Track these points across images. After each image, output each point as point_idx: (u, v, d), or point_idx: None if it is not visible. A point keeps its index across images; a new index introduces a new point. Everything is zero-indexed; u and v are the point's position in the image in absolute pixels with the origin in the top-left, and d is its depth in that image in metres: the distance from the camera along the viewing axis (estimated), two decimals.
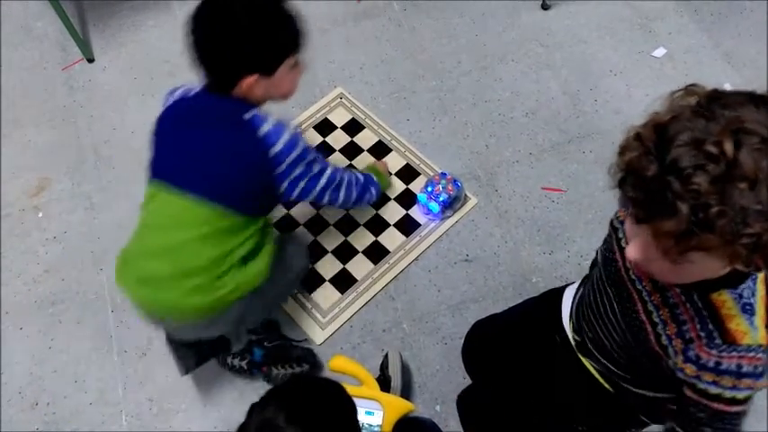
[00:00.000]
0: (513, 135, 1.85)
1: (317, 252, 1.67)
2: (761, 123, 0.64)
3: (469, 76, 1.94)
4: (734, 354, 0.79)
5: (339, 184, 1.35)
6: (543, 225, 1.71)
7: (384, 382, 1.41)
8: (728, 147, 0.63)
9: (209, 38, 1.20)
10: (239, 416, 1.49)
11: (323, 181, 1.29)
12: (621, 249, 0.93)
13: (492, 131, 1.86)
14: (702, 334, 0.81)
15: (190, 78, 1.96)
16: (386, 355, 1.47)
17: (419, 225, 1.70)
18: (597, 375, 1.09)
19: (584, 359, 1.11)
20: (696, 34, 2.02)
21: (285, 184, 1.22)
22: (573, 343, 1.13)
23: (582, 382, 1.10)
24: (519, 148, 1.83)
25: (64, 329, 1.59)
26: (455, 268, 1.65)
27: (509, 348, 1.27)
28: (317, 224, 1.70)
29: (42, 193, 1.78)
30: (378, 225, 1.70)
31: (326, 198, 1.33)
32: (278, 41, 1.19)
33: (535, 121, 1.87)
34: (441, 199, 1.66)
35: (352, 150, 1.82)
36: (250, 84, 1.18)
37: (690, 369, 0.82)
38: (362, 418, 1.20)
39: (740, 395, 0.80)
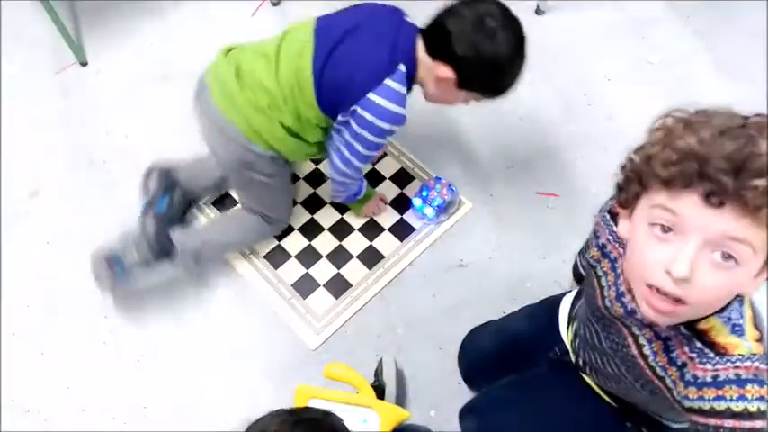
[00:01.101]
0: (508, 140, 1.85)
1: (312, 256, 1.66)
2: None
3: None
4: (728, 364, 0.75)
5: (344, 173, 1.47)
6: (537, 230, 1.71)
7: (379, 388, 1.41)
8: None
9: (474, 25, 1.23)
10: (233, 423, 1.48)
11: (344, 151, 1.40)
12: (601, 288, 0.92)
13: (486, 136, 1.86)
14: (693, 354, 0.79)
15: (183, 83, 1.96)
16: (380, 361, 1.47)
17: (414, 230, 1.70)
18: (599, 391, 1.08)
19: (585, 376, 1.10)
20: (689, 40, 2.03)
21: (339, 117, 1.35)
22: (573, 359, 1.12)
23: (583, 397, 1.09)
24: (513, 152, 1.83)
25: (57, 335, 1.57)
26: (450, 273, 1.64)
27: (508, 359, 1.26)
28: (311, 229, 1.70)
29: (36, 197, 1.77)
30: (372, 230, 1.70)
31: (334, 156, 1.45)
32: (498, 81, 1.31)
33: (529, 125, 1.88)
34: (435, 204, 1.66)
35: None
36: (439, 71, 1.27)
37: (692, 391, 0.79)
38: (358, 426, 1.19)
39: (752, 407, 0.73)
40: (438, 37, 1.27)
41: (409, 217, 1.72)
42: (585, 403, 1.09)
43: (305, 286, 1.62)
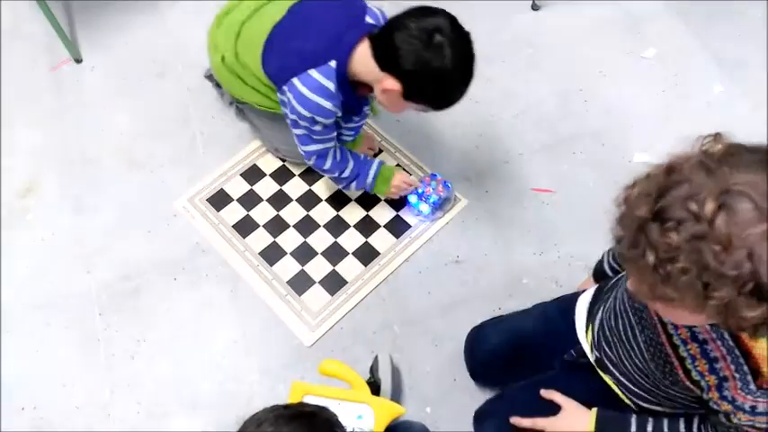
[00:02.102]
0: (503, 136, 1.85)
1: (307, 253, 1.66)
2: (759, 190, 0.63)
3: None
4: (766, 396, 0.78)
5: (305, 154, 1.53)
6: (533, 226, 1.71)
7: (374, 385, 1.41)
8: (709, 207, 0.63)
9: (422, 40, 1.23)
10: (228, 420, 1.49)
11: (296, 133, 1.49)
12: None
13: (482, 132, 1.85)
14: (737, 375, 0.80)
15: (179, 80, 1.95)
16: (376, 358, 1.47)
17: (409, 226, 1.70)
18: (618, 391, 1.07)
19: (605, 377, 1.09)
20: (685, 35, 2.03)
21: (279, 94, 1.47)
22: (592, 358, 1.11)
23: (604, 398, 1.08)
24: (509, 148, 1.83)
25: (51, 333, 1.57)
26: (445, 270, 1.64)
27: (519, 358, 1.25)
28: (306, 225, 1.70)
29: (30, 194, 1.76)
30: (368, 226, 1.70)
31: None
32: (444, 96, 1.32)
33: (525, 121, 1.87)
34: (431, 200, 1.65)
35: None
36: (386, 83, 1.28)
37: (725, 407, 0.82)
38: (353, 422, 1.19)
39: None
40: (385, 50, 1.28)
41: (405, 214, 1.71)
42: (606, 404, 1.07)
43: (300, 283, 1.62)
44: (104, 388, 1.50)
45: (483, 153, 1.82)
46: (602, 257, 1.22)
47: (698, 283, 0.64)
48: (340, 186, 1.67)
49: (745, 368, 0.79)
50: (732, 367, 0.80)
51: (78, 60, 1.98)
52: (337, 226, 1.70)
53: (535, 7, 2.08)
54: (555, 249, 1.67)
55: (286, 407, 0.88)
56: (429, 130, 1.85)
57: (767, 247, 0.61)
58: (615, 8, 2.08)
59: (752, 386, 0.79)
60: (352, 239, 1.68)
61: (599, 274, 1.24)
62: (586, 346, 1.13)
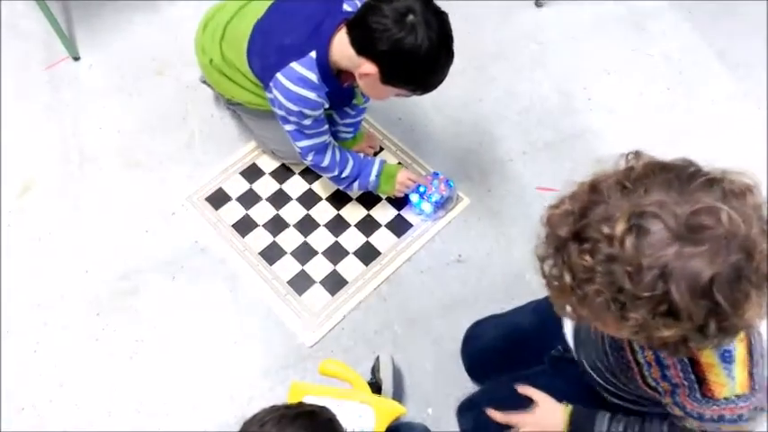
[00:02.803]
0: (507, 134, 1.83)
1: (307, 253, 1.64)
2: (671, 211, 0.63)
3: (463, 75, 1.92)
4: (714, 407, 0.81)
5: (300, 152, 1.52)
6: (536, 225, 1.68)
7: (375, 385, 1.39)
8: (619, 229, 0.63)
9: (395, 21, 1.23)
10: (228, 420, 1.47)
11: (288, 129, 1.48)
12: None
13: (485, 130, 1.84)
14: (686, 383, 0.82)
15: (177, 79, 1.94)
16: (377, 358, 1.45)
17: (411, 226, 1.68)
18: (601, 390, 1.07)
19: (586, 374, 1.09)
20: (690, 34, 2.01)
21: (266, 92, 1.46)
22: (575, 356, 1.11)
23: (584, 396, 1.08)
24: (512, 147, 1.81)
25: (49, 332, 1.55)
26: (447, 269, 1.63)
27: (512, 354, 1.26)
28: (307, 224, 1.68)
29: (27, 193, 1.75)
30: (369, 226, 1.68)
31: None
32: (421, 76, 1.31)
33: (528, 119, 1.86)
34: (433, 199, 1.64)
35: None
36: (363, 67, 1.29)
37: (677, 412, 0.85)
38: (354, 422, 1.18)
39: (725, 427, 0.83)
40: (360, 33, 1.28)
41: (406, 213, 1.70)
42: (586, 399, 1.07)
43: (301, 283, 1.60)
44: (103, 388, 1.49)
45: (486, 151, 1.81)
46: None
47: (612, 304, 0.65)
48: (341, 187, 1.65)
49: (692, 376, 0.81)
50: (681, 375, 0.82)
51: (76, 58, 1.96)
52: (338, 225, 1.68)
53: (539, 5, 2.06)
54: None
55: (288, 407, 0.88)
56: (431, 129, 1.84)
57: (679, 267, 0.62)
58: (619, 6, 2.07)
59: (698, 394, 0.81)
60: (352, 239, 1.66)
61: None
62: (571, 342, 1.13)
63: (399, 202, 1.71)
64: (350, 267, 1.62)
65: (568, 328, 1.14)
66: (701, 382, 0.80)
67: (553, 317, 1.18)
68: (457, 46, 1.96)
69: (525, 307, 1.31)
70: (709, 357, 0.79)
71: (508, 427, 1.12)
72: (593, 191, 0.69)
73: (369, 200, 1.71)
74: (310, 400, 1.18)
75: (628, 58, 1.97)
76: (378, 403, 1.22)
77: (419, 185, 1.66)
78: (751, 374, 0.79)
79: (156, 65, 1.95)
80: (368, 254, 1.64)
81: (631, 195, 0.66)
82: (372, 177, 1.59)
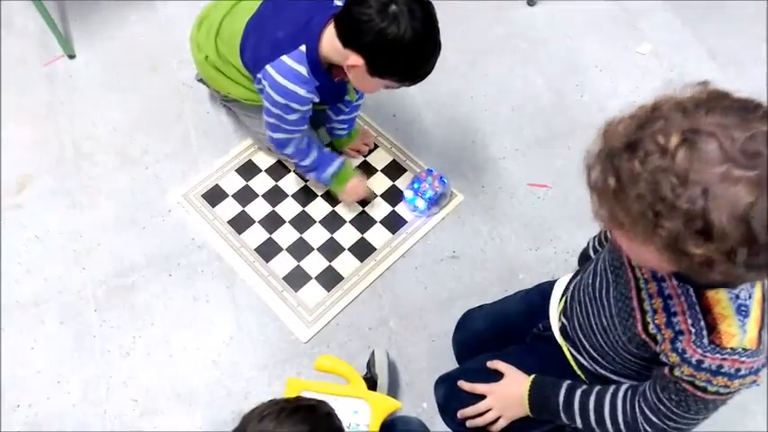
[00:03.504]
0: (499, 131, 1.85)
1: (303, 249, 1.65)
2: (728, 134, 0.64)
3: (455, 72, 1.94)
4: (717, 355, 0.80)
5: (271, 139, 1.55)
6: (529, 221, 1.71)
7: (371, 381, 1.41)
8: (673, 141, 0.65)
9: (378, 11, 1.23)
10: (225, 416, 1.49)
11: (265, 119, 1.50)
12: None
13: (478, 127, 1.85)
14: (693, 329, 0.83)
15: (173, 76, 1.94)
16: (372, 353, 1.47)
17: (405, 222, 1.69)
18: (573, 363, 1.11)
19: (564, 344, 1.12)
20: (681, 30, 2.03)
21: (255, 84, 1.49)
22: (557, 326, 1.14)
23: (554, 364, 1.12)
24: (505, 144, 1.83)
25: (46, 330, 1.56)
26: (442, 265, 1.64)
27: (499, 339, 1.28)
28: (302, 221, 1.69)
29: (24, 191, 1.75)
30: (364, 222, 1.69)
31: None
32: (408, 67, 1.31)
33: (521, 116, 1.87)
34: (427, 196, 1.65)
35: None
36: (350, 59, 1.29)
37: (673, 358, 0.85)
38: (349, 417, 1.19)
39: (711, 387, 0.83)
40: (345, 25, 1.29)
41: (401, 209, 1.71)
42: (554, 371, 1.10)
43: (296, 279, 1.61)
44: (100, 385, 1.50)
45: (479, 148, 1.82)
46: (588, 243, 1.24)
47: (650, 211, 0.66)
48: (296, 168, 1.69)
49: (702, 323, 0.82)
50: (690, 321, 0.83)
51: (72, 56, 1.96)
52: (333, 222, 1.69)
53: (531, 3, 2.08)
54: (551, 245, 1.67)
55: (287, 400, 0.89)
56: (425, 126, 1.85)
57: (724, 186, 0.62)
58: (611, 3, 2.08)
59: (705, 340, 0.81)
60: (347, 235, 1.67)
61: (583, 258, 1.27)
62: (554, 317, 1.16)
63: (394, 199, 1.72)
64: (345, 263, 1.64)
65: (556, 303, 1.17)
66: (712, 329, 0.81)
67: (540, 300, 1.22)
68: (450, 43, 1.98)
69: (515, 295, 1.34)
70: (725, 309, 0.80)
71: (479, 397, 1.14)
72: (654, 110, 0.70)
73: None
74: (307, 395, 1.19)
75: (619, 55, 1.98)
76: (373, 398, 1.23)
77: (414, 181, 1.67)
78: (759, 334, 0.81)
79: (152, 63, 1.95)
80: (363, 250, 1.65)
81: (691, 115, 0.66)
82: (327, 175, 1.62)
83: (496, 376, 1.15)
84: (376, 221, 1.70)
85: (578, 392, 1.03)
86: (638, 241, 0.72)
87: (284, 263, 1.64)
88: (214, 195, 1.73)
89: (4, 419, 1.46)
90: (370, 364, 1.45)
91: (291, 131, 1.50)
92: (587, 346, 1.07)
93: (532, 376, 1.09)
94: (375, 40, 1.25)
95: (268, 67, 1.38)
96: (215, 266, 1.64)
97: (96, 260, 1.65)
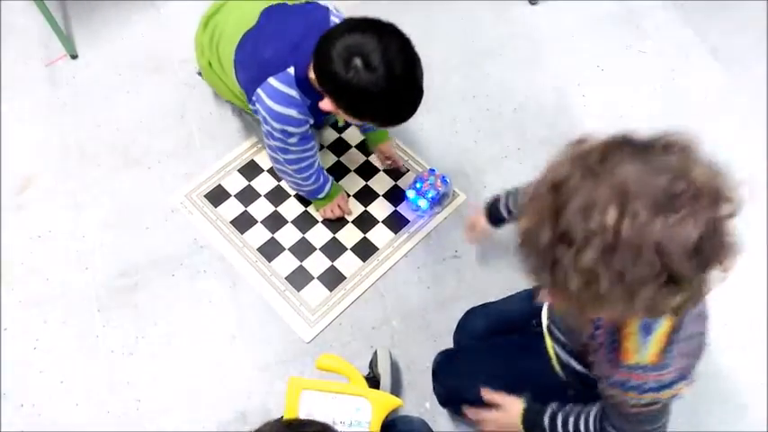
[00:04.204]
0: (502, 130, 1.85)
1: (306, 249, 1.66)
2: (648, 185, 0.64)
3: (458, 72, 1.94)
4: (622, 371, 0.85)
5: (276, 159, 1.53)
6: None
7: (373, 380, 1.41)
8: (611, 217, 0.63)
9: (339, 57, 1.20)
10: (228, 416, 1.49)
11: (267, 142, 1.49)
12: None
13: (480, 127, 1.85)
14: (606, 344, 0.87)
15: (175, 76, 1.95)
16: (375, 353, 1.47)
17: (408, 222, 1.69)
18: (555, 360, 1.14)
19: (549, 340, 1.15)
20: (683, 29, 2.03)
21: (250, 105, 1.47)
22: (545, 323, 1.17)
23: (536, 357, 1.16)
24: (507, 143, 1.82)
25: (49, 330, 1.57)
26: (444, 265, 1.64)
27: (497, 334, 1.31)
28: (305, 221, 1.69)
29: (26, 191, 1.75)
30: (366, 222, 1.69)
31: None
32: (383, 114, 1.29)
33: (523, 116, 1.87)
34: (429, 195, 1.65)
35: (340, 147, 1.81)
36: (325, 104, 1.29)
37: (596, 370, 0.91)
38: (351, 415, 1.19)
39: (630, 401, 0.86)
40: (315, 67, 1.27)
41: (403, 209, 1.71)
42: (536, 363, 1.14)
43: (299, 279, 1.62)
44: (103, 385, 1.50)
45: (481, 148, 1.82)
46: (499, 197, 1.25)
47: (622, 292, 0.67)
48: (289, 185, 1.68)
49: (613, 338, 0.86)
50: (606, 336, 0.87)
51: (74, 56, 1.97)
52: (335, 221, 1.69)
53: (533, 2, 2.08)
54: None
55: (289, 424, 0.86)
56: (427, 126, 1.85)
57: (669, 236, 0.64)
58: (613, 3, 2.08)
59: (612, 355, 0.86)
60: (350, 235, 1.68)
61: (493, 213, 1.30)
62: (544, 314, 1.18)
63: (396, 199, 1.72)
64: (348, 263, 1.64)
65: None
66: (618, 346, 0.85)
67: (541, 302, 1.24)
68: (452, 43, 1.99)
69: (517, 295, 1.35)
70: (631, 327, 0.84)
71: (473, 376, 1.21)
72: (557, 188, 0.69)
73: (366, 196, 1.73)
74: (308, 394, 1.20)
75: (622, 54, 1.98)
76: (374, 396, 1.24)
77: (416, 181, 1.67)
78: (664, 350, 0.83)
79: (154, 63, 1.95)
80: (365, 250, 1.65)
81: (599, 179, 0.66)
82: (319, 195, 1.63)
83: (486, 353, 1.22)
84: (378, 221, 1.70)
85: (560, 417, 1.04)
86: (617, 314, 0.74)
87: (287, 263, 1.64)
88: (217, 195, 1.73)
89: (7, 419, 1.46)
90: (373, 364, 1.45)
91: (300, 152, 1.48)
92: (566, 342, 1.10)
93: (524, 405, 1.10)
94: (341, 91, 1.23)
95: (259, 91, 1.36)
96: (217, 266, 1.64)
97: (99, 260, 1.65)
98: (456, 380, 1.29)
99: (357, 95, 1.23)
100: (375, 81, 1.19)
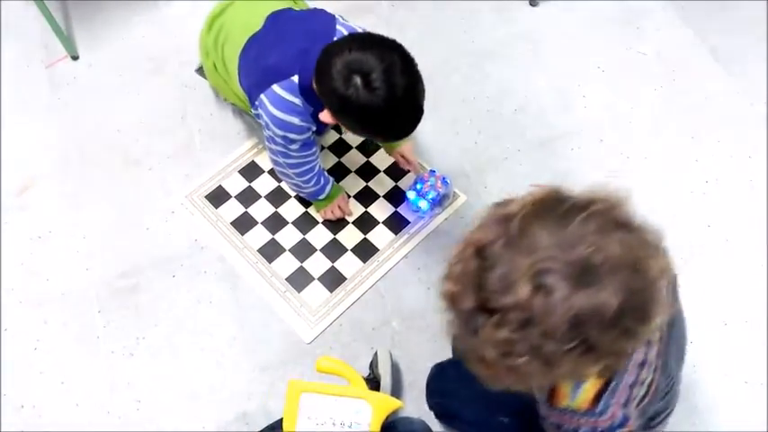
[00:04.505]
0: (502, 132, 1.85)
1: (306, 250, 1.66)
2: (562, 260, 0.64)
3: (458, 73, 1.94)
4: (555, 413, 0.84)
5: (276, 162, 1.52)
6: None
7: (374, 381, 1.41)
8: (523, 293, 0.63)
9: (339, 74, 1.20)
10: (228, 417, 1.49)
11: (269, 146, 1.48)
12: None
13: (481, 128, 1.85)
14: (543, 390, 0.87)
15: (176, 77, 1.95)
16: (375, 354, 1.47)
17: (408, 223, 1.69)
18: None
19: None
20: (683, 30, 2.03)
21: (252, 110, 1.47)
22: None
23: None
24: (507, 144, 1.83)
25: (49, 330, 1.57)
26: (444, 266, 1.64)
27: None
28: (305, 222, 1.70)
29: (27, 192, 1.76)
30: (366, 223, 1.70)
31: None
32: (385, 129, 1.31)
33: (523, 117, 1.87)
34: (430, 197, 1.65)
35: (341, 148, 1.81)
36: (324, 115, 1.29)
37: (539, 408, 0.91)
38: (351, 417, 1.19)
39: None
40: (316, 80, 1.27)
41: (403, 210, 1.71)
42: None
43: (299, 280, 1.62)
44: (104, 385, 1.50)
45: (481, 149, 1.82)
46: None
47: (539, 363, 0.66)
48: (290, 187, 1.68)
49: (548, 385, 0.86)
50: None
51: (75, 57, 1.97)
52: (336, 222, 1.69)
53: (533, 3, 2.08)
54: None
55: None
56: (427, 127, 1.85)
57: (586, 310, 0.63)
58: (613, 3, 2.08)
59: (544, 396, 0.85)
60: (350, 236, 1.68)
61: None
62: None
63: (396, 200, 1.72)
64: (348, 264, 1.64)
65: None
66: (553, 388, 0.84)
67: None
68: (452, 44, 1.99)
69: None
70: (561, 386, 0.84)
71: (461, 380, 1.16)
72: (479, 255, 0.69)
73: (366, 197, 1.73)
74: (308, 397, 1.19)
75: (622, 55, 1.98)
76: (374, 398, 1.23)
77: (416, 182, 1.67)
78: (598, 396, 0.81)
79: (155, 64, 1.95)
80: (366, 251, 1.66)
81: (519, 250, 0.66)
82: (319, 196, 1.63)
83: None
84: (379, 222, 1.70)
85: None
86: (537, 382, 0.75)
87: (287, 264, 1.64)
88: (217, 196, 1.73)
89: (7, 420, 1.46)
90: (374, 365, 1.45)
91: (301, 157, 1.48)
92: None
93: None
94: (340, 106, 1.24)
95: (262, 96, 1.36)
96: (218, 267, 1.64)
97: (100, 261, 1.65)
98: (443, 397, 1.29)
99: (355, 112, 1.23)
100: (374, 100, 1.20)
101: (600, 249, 0.65)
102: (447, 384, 1.27)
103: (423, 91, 1.27)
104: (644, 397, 0.85)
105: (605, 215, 0.68)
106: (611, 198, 0.70)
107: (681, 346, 0.97)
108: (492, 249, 0.68)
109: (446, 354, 1.47)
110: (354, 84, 1.19)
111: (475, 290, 0.68)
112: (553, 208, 0.69)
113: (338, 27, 1.40)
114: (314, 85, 1.30)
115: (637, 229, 0.68)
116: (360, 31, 1.39)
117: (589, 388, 0.81)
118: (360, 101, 1.20)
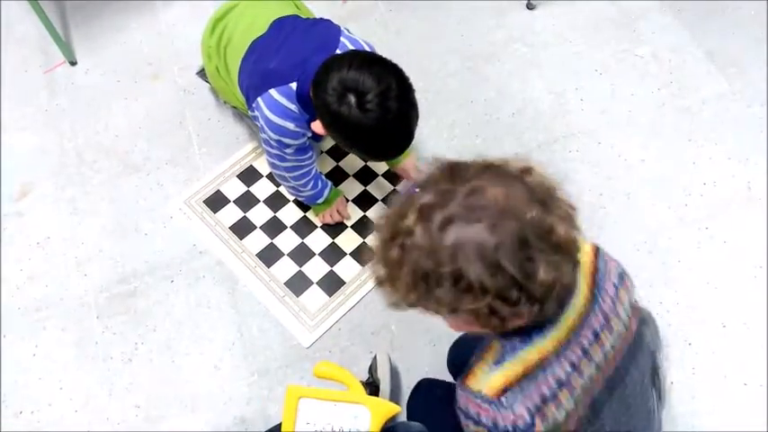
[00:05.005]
0: (500, 135, 1.85)
1: (305, 254, 1.66)
2: (449, 197, 0.73)
3: (456, 77, 1.94)
4: (464, 394, 0.84)
5: (273, 165, 1.53)
6: None
7: (373, 385, 1.41)
8: (410, 220, 0.73)
9: (334, 90, 1.22)
10: (227, 422, 1.49)
11: (265, 149, 1.49)
12: None
13: (478, 132, 1.86)
14: (467, 369, 0.86)
15: (174, 82, 1.95)
16: (374, 358, 1.47)
17: None
18: None
19: None
20: (680, 33, 2.03)
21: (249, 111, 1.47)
22: None
23: None
24: (505, 148, 1.83)
25: (48, 336, 1.57)
26: None
27: None
28: (303, 226, 1.70)
29: (25, 198, 1.76)
30: (365, 227, 1.70)
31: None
32: (374, 149, 1.33)
33: (521, 120, 1.87)
34: None
35: (339, 152, 1.81)
36: (316, 126, 1.32)
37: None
38: (349, 422, 1.19)
39: (470, 426, 0.83)
40: (312, 93, 1.27)
41: None
42: None
43: (298, 284, 1.62)
44: (102, 391, 1.50)
45: (479, 153, 1.79)
46: None
47: (421, 285, 0.73)
48: (288, 191, 1.68)
49: (472, 359, 0.86)
50: (473, 356, 0.87)
51: (73, 62, 1.97)
52: (334, 227, 1.69)
53: (530, 6, 2.08)
54: None
55: None
56: (425, 131, 1.85)
57: (465, 243, 0.70)
58: (610, 6, 2.09)
59: (460, 380, 0.85)
60: (349, 240, 1.68)
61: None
62: None
63: None
64: (347, 268, 1.64)
65: None
66: (470, 368, 0.84)
67: None
68: (450, 48, 1.99)
69: None
70: (489, 353, 0.84)
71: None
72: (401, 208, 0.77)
73: (365, 201, 1.73)
74: (306, 402, 1.19)
75: (619, 58, 1.99)
76: (372, 403, 1.23)
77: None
78: (505, 389, 0.80)
79: (153, 69, 1.96)
80: (364, 254, 1.66)
81: (419, 197, 0.76)
82: (318, 200, 1.63)
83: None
84: None
85: None
86: (429, 311, 0.78)
87: (286, 268, 1.64)
88: (215, 201, 1.73)
89: (6, 426, 1.46)
90: (373, 369, 1.45)
91: (296, 161, 1.48)
92: None
93: None
94: (330, 120, 1.25)
95: (259, 100, 1.37)
96: (216, 272, 1.64)
97: (98, 267, 1.65)
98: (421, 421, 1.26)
99: (344, 129, 1.25)
100: (365, 121, 1.21)
101: (484, 191, 0.72)
102: (424, 411, 1.27)
103: (416, 118, 1.28)
104: (561, 425, 0.82)
105: (507, 170, 0.77)
106: (524, 162, 0.79)
107: (634, 412, 0.91)
108: (407, 200, 0.77)
109: (445, 357, 1.47)
110: (348, 101, 1.20)
111: (389, 228, 0.77)
112: (461, 164, 0.79)
113: (342, 39, 1.39)
114: (311, 95, 1.30)
115: (527, 185, 0.75)
116: (364, 47, 1.40)
117: (499, 377, 0.81)
118: (351, 119, 1.21)
